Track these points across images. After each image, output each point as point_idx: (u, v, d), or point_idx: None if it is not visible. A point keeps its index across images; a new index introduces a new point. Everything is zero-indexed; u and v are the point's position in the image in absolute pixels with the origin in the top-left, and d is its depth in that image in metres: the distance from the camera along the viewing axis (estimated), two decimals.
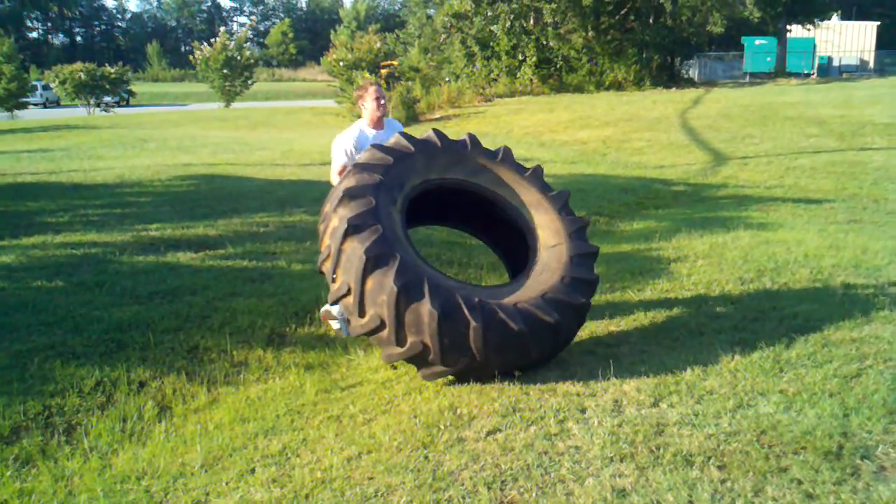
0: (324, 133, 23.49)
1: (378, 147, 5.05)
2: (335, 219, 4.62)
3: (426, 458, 3.85)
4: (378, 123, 5.77)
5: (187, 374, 5.46)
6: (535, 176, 5.49)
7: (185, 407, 5.05)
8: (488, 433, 4.05)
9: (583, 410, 4.25)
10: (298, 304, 6.74)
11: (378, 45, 35.50)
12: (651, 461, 3.62)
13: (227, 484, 3.85)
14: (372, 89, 5.70)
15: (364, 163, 4.94)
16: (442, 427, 4.18)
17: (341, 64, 32.89)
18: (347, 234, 4.46)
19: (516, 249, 5.63)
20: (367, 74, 29.81)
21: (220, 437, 4.44)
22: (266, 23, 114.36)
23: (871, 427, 3.81)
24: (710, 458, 3.61)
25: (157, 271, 7.46)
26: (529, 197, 5.33)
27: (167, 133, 23.54)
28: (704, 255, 7.83)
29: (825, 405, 4.08)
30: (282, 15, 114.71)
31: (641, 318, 6.00)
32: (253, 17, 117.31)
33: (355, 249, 4.39)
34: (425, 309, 4.28)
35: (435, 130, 5.30)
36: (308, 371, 5.44)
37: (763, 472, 3.46)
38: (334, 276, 4.54)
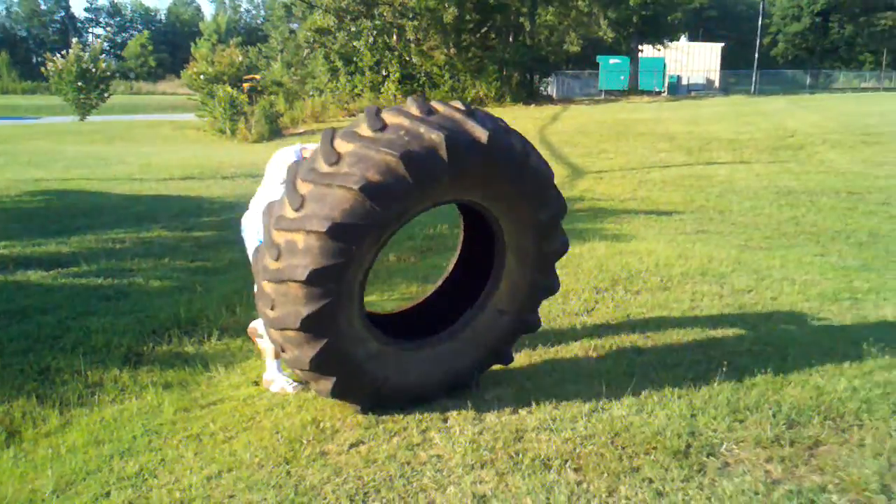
0: (184, 147, 22.96)
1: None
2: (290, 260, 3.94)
3: (288, 473, 3.83)
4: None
5: (38, 396, 5.23)
6: None
7: (36, 431, 4.84)
8: (351, 446, 4.07)
9: (445, 420, 4.32)
10: (156, 321, 6.57)
11: (240, 58, 34.91)
12: (511, 466, 3.72)
13: None
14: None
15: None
16: (304, 441, 4.17)
17: (202, 77, 32.17)
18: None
19: None
20: (229, 88, 29.31)
21: (73, 461, 4.28)
22: (123, 34, 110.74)
23: (716, 426, 4.03)
24: (566, 461, 3.74)
25: (4, 290, 7.14)
26: None
27: (17, 147, 22.51)
28: (562, 266, 8.03)
29: (674, 406, 4.29)
30: (140, 27, 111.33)
31: None
32: (109, 29, 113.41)
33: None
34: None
35: None
36: (166, 390, 5.30)
37: (616, 473, 3.61)
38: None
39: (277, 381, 5.18)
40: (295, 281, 3.79)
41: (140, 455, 4.28)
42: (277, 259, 3.88)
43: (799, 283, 7.15)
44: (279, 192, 4.77)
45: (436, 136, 3.76)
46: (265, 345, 5.15)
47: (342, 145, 3.95)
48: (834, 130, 22.04)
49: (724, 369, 4.88)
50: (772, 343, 5.47)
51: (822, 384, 4.63)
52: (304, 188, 3.88)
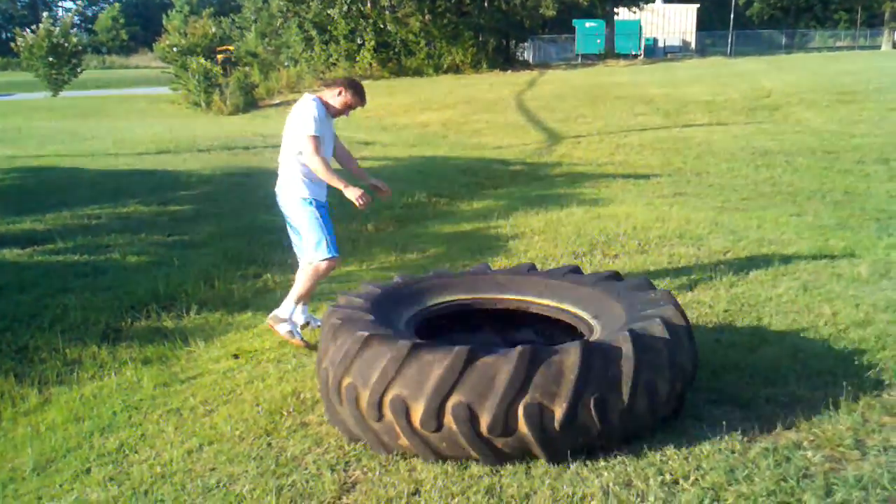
0: (159, 121, 22.73)
1: None
2: None
3: (269, 445, 3.84)
4: (332, 112, 5.29)
5: (16, 375, 5.22)
6: None
7: (15, 410, 4.84)
8: None
9: None
10: (134, 297, 6.55)
11: (213, 29, 34.54)
12: None
13: (60, 486, 3.72)
14: (359, 105, 5.28)
15: None
16: (285, 413, 4.18)
17: (175, 50, 31.78)
18: None
19: None
20: (203, 60, 28.98)
21: (53, 439, 4.28)
22: (94, 8, 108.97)
23: (694, 385, 4.04)
24: None
25: None
26: None
27: None
28: (540, 232, 8.08)
29: None
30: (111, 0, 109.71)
31: None
32: (79, 2, 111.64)
33: None
34: None
35: None
36: (146, 365, 5.30)
37: None
38: None
39: (286, 325, 5.23)
40: None
41: (120, 431, 4.28)
42: None
43: (775, 242, 7.20)
44: (298, 136, 5.06)
45: None
46: (297, 285, 5.30)
47: None
48: (809, 90, 22.08)
49: (702, 330, 4.92)
50: (748, 303, 5.51)
51: (798, 343, 4.68)
52: None
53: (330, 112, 5.25)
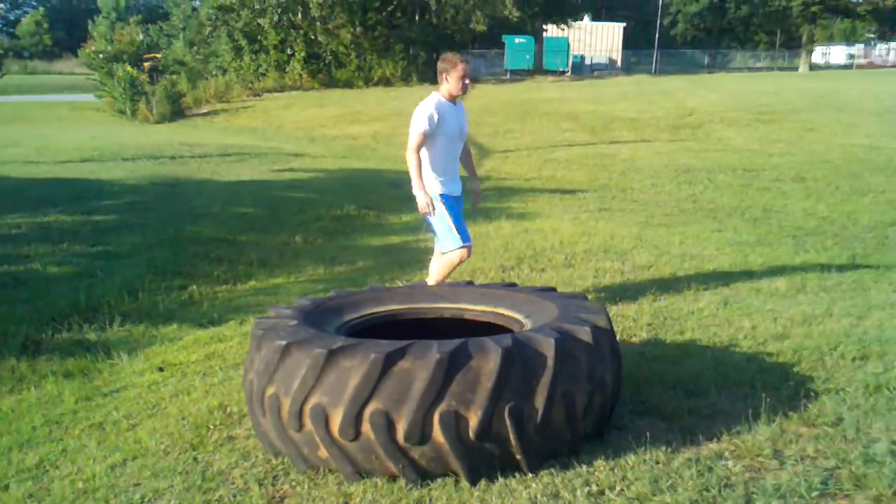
0: (83, 129, 22.26)
1: None
2: None
3: (195, 459, 3.79)
4: (453, 100, 5.45)
5: None
6: None
7: None
8: None
9: None
10: (55, 308, 6.40)
11: (140, 36, 33.98)
12: None
13: None
14: (460, 67, 5.31)
15: None
16: (211, 427, 4.13)
17: (101, 56, 31.17)
18: None
19: None
20: (129, 68, 28.50)
21: None
22: (17, 11, 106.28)
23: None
24: None
25: None
26: None
27: None
28: None
29: None
30: (34, 3, 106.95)
31: None
32: (1, 6, 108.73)
33: None
34: None
35: None
36: (67, 378, 5.19)
37: None
38: None
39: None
40: None
41: (40, 446, 4.19)
42: None
43: (697, 258, 7.38)
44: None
45: None
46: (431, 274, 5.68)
47: None
48: (731, 109, 22.68)
49: (626, 344, 5.02)
50: (671, 317, 5.64)
51: (719, 356, 4.80)
52: None
53: (447, 101, 5.42)
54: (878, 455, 3.40)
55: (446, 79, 5.36)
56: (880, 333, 5.04)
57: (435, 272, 5.61)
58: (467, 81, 5.39)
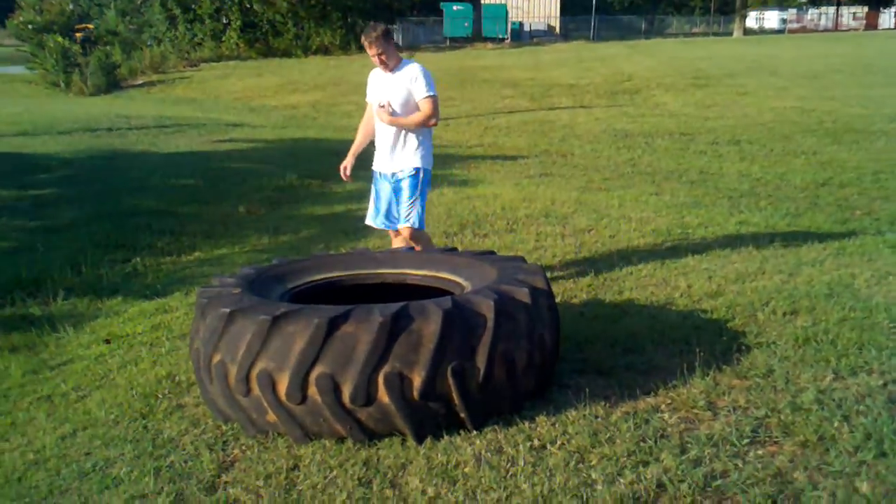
0: (14, 102, 21.69)
1: None
2: None
3: (145, 427, 3.82)
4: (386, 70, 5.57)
5: None
6: None
7: None
8: None
9: None
10: None
11: (70, 6, 33.17)
12: None
13: None
14: (367, 46, 5.39)
15: None
16: (160, 396, 4.16)
17: (30, 27, 30.40)
18: None
19: None
20: (60, 38, 27.82)
21: None
22: None
23: (561, 356, 4.25)
24: None
25: None
26: None
27: None
28: None
29: None
30: None
31: None
32: None
33: None
34: None
35: None
36: (12, 353, 5.15)
37: None
38: None
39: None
40: None
41: None
42: None
43: (635, 220, 7.55)
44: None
45: None
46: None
47: None
48: (667, 74, 22.98)
49: (567, 304, 5.16)
50: (610, 278, 5.79)
51: (656, 314, 4.96)
52: None
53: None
54: (806, 403, 3.58)
55: None
56: (810, 289, 5.25)
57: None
58: (376, 58, 5.43)
